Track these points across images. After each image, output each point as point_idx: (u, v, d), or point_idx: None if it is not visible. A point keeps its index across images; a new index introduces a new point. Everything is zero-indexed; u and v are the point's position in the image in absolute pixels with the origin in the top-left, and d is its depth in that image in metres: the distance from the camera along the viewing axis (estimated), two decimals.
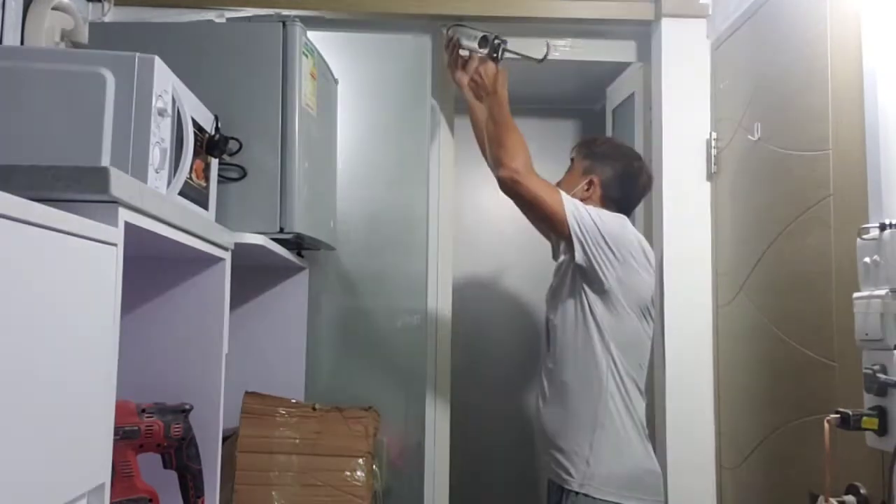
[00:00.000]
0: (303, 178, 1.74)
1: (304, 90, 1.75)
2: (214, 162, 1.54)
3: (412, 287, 2.26)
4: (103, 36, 1.80)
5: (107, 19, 2.04)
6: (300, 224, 1.71)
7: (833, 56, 1.51)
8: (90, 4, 2.02)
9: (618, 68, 2.52)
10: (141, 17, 2.09)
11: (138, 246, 1.12)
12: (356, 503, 1.95)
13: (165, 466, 1.30)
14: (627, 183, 1.86)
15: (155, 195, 1.06)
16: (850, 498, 1.31)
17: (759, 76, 1.83)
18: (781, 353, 1.68)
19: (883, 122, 1.33)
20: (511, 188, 1.74)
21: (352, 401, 2.13)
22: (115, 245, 0.92)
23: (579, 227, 1.70)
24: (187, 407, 1.30)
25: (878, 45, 1.36)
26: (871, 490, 1.30)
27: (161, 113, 1.20)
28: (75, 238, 0.82)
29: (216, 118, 1.50)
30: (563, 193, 1.74)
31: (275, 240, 1.70)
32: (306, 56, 1.77)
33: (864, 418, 1.26)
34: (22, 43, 1.67)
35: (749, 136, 1.87)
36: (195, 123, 1.37)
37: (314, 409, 2.03)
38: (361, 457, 2.00)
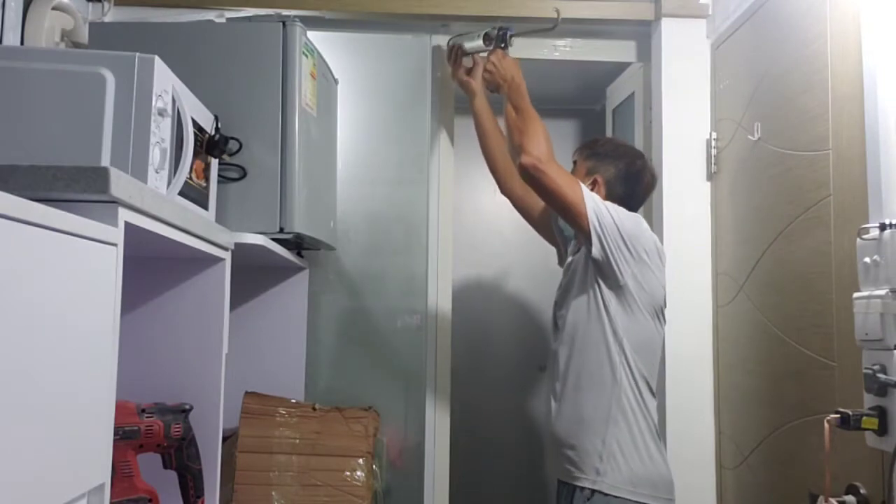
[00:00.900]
0: (303, 178, 1.74)
1: (304, 90, 1.75)
2: (214, 162, 1.54)
3: (412, 287, 2.26)
4: (103, 36, 1.80)
5: (107, 19, 2.04)
6: (300, 224, 1.71)
7: (833, 56, 1.51)
8: (90, 4, 2.02)
9: (618, 68, 2.52)
10: (141, 17, 2.09)
11: (138, 246, 1.12)
12: (356, 503, 1.95)
13: (165, 466, 1.30)
14: (631, 180, 1.85)
15: (155, 195, 1.06)
16: (850, 498, 1.31)
17: (760, 76, 1.83)
18: (781, 353, 1.68)
19: (883, 122, 1.32)
20: (533, 176, 1.71)
21: (352, 401, 2.13)
22: (115, 245, 0.92)
23: (598, 222, 1.68)
24: (187, 407, 1.30)
25: (877, 45, 1.36)
26: (870, 490, 1.30)
27: (161, 113, 1.20)
28: (75, 238, 0.82)
29: (216, 118, 1.50)
30: (583, 186, 1.72)
31: (275, 240, 1.70)
32: (306, 56, 1.77)
33: (864, 418, 1.26)
34: (22, 43, 1.67)
35: (749, 136, 1.87)
36: (195, 123, 1.37)
37: (314, 409, 2.03)
38: (361, 457, 2.00)
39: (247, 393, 1.97)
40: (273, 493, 1.91)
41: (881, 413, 1.25)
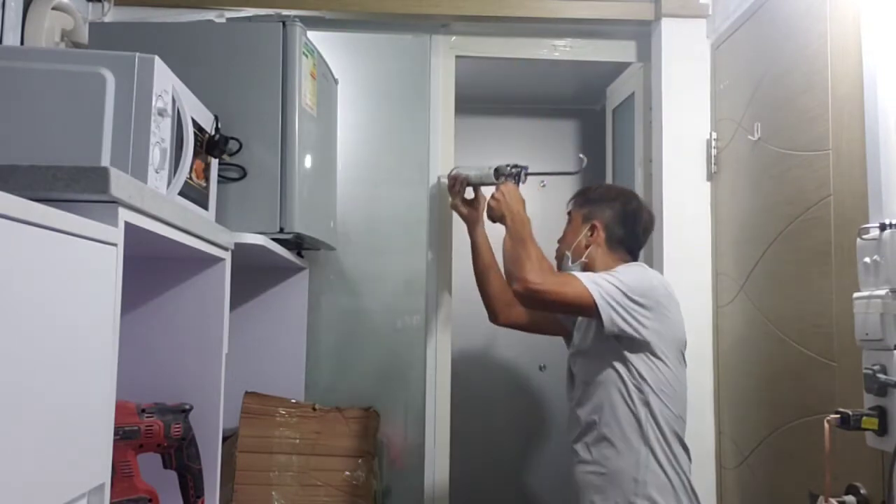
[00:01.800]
0: (303, 178, 1.74)
1: (304, 90, 1.75)
2: (214, 162, 1.54)
3: (412, 287, 2.26)
4: (103, 36, 1.80)
5: (107, 19, 2.04)
6: (300, 224, 1.71)
7: (833, 56, 1.51)
8: (90, 4, 2.02)
9: (618, 68, 2.53)
10: (141, 17, 2.09)
11: (138, 246, 1.12)
12: (356, 503, 1.95)
13: (165, 466, 1.30)
14: (629, 220, 1.82)
15: (155, 195, 1.06)
16: (850, 498, 1.31)
17: (760, 76, 1.83)
18: (781, 353, 1.68)
19: (883, 122, 1.32)
20: (531, 297, 1.68)
21: (352, 401, 2.13)
22: (115, 245, 0.92)
23: (606, 302, 1.63)
24: (187, 407, 1.30)
25: (878, 45, 1.36)
26: (871, 490, 1.30)
27: (161, 113, 1.20)
28: (75, 238, 0.82)
29: (216, 118, 1.50)
30: (579, 275, 1.68)
31: (275, 240, 1.70)
32: (306, 56, 1.77)
33: (864, 418, 1.26)
34: (22, 43, 1.67)
35: (749, 136, 1.87)
36: (195, 123, 1.37)
37: (314, 409, 2.03)
38: (361, 457, 2.00)
39: (247, 393, 1.98)
40: (273, 493, 1.91)
41: (881, 413, 1.25)
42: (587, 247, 1.82)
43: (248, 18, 2.12)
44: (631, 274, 1.70)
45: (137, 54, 1.17)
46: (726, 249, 2.01)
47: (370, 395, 2.17)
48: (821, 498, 1.33)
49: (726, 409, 2.00)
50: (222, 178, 1.62)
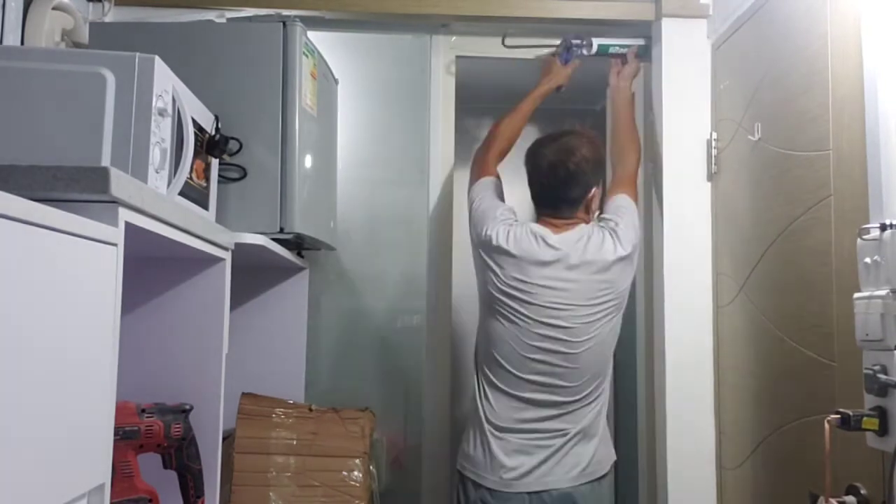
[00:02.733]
0: (303, 178, 1.74)
1: (305, 90, 1.75)
2: (214, 162, 1.54)
3: (412, 287, 2.26)
4: (103, 36, 1.80)
5: (107, 19, 2.03)
6: (300, 224, 1.71)
7: (833, 56, 1.51)
8: (90, 4, 2.01)
9: None
10: (141, 17, 2.09)
11: (138, 246, 1.12)
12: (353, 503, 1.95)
13: (165, 466, 1.30)
14: (528, 177, 1.93)
15: (155, 195, 1.06)
16: (850, 498, 1.31)
17: (760, 76, 1.83)
18: (781, 354, 1.68)
19: (883, 123, 1.32)
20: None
21: (352, 401, 2.13)
22: (115, 245, 0.92)
23: None
24: (187, 407, 1.30)
25: (878, 45, 1.35)
26: (871, 491, 1.30)
27: (161, 113, 1.20)
28: (75, 238, 0.82)
29: (216, 118, 1.50)
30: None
31: (275, 240, 1.70)
32: (307, 56, 1.77)
33: (865, 419, 1.25)
34: (22, 43, 1.67)
35: (749, 137, 1.86)
36: (195, 123, 1.37)
37: (310, 409, 2.03)
38: (358, 457, 2.00)
39: (243, 394, 1.97)
40: (270, 494, 1.91)
41: (882, 413, 1.25)
42: None
43: (249, 18, 2.12)
44: (483, 222, 1.88)
45: (137, 54, 1.17)
46: (726, 249, 2.01)
47: (370, 394, 2.17)
48: (821, 498, 1.33)
49: (726, 409, 2.00)
50: (222, 178, 1.62)
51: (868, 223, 1.32)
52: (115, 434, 0.96)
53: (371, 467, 2.03)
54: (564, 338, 1.79)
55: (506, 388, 1.82)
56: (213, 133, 1.48)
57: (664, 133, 2.13)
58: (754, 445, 1.81)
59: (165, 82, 1.23)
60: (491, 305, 1.85)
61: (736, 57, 1.99)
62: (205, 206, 1.47)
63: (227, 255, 1.47)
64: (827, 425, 1.29)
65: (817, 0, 1.57)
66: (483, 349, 1.89)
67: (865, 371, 1.28)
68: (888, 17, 1.34)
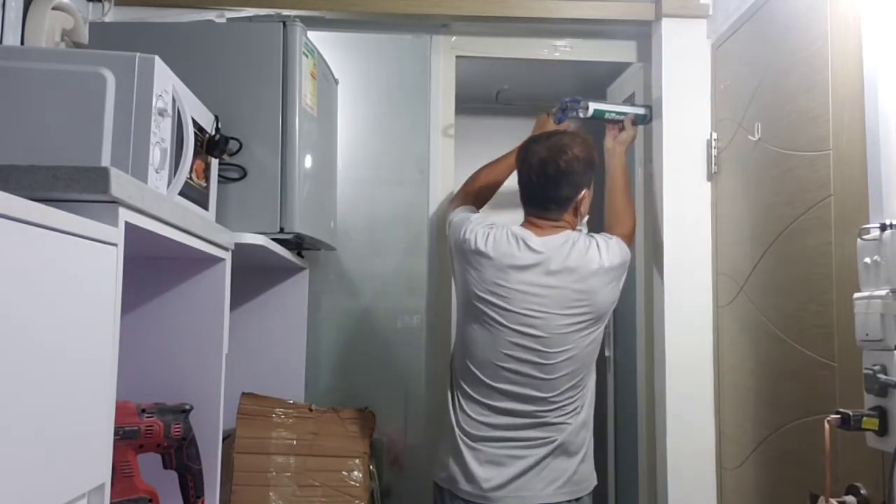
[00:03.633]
0: (303, 178, 1.74)
1: (305, 90, 1.75)
2: (214, 162, 1.54)
3: (412, 287, 2.26)
4: (103, 36, 1.80)
5: (107, 19, 2.03)
6: (300, 224, 1.71)
7: (833, 56, 1.51)
8: (90, 4, 2.01)
9: (618, 68, 2.52)
10: (141, 17, 2.09)
11: (138, 246, 1.12)
12: (353, 503, 1.95)
13: (165, 466, 1.30)
14: (519, 178, 1.88)
15: (155, 195, 1.06)
16: (850, 498, 1.31)
17: (760, 76, 1.83)
18: (782, 354, 1.68)
19: (883, 123, 1.32)
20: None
21: (352, 401, 2.13)
22: (115, 245, 0.92)
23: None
24: (187, 407, 1.30)
25: (878, 45, 1.35)
26: (871, 491, 1.30)
27: (161, 113, 1.20)
28: (75, 238, 0.82)
29: (216, 118, 1.50)
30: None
31: (275, 240, 1.70)
32: (307, 56, 1.77)
33: (865, 419, 1.25)
34: (22, 43, 1.67)
35: (749, 137, 1.86)
36: (195, 123, 1.37)
37: (310, 409, 2.03)
38: (358, 457, 2.00)
39: (243, 394, 1.97)
40: (270, 494, 1.91)
41: (882, 413, 1.25)
42: None
43: (249, 18, 2.12)
44: (461, 226, 1.85)
45: (137, 54, 1.17)
46: (726, 250, 2.01)
47: (370, 394, 2.17)
48: (821, 498, 1.33)
49: (726, 409, 2.00)
50: (222, 178, 1.62)
51: (868, 223, 1.32)
52: (115, 434, 0.96)
53: (371, 467, 2.03)
54: (538, 347, 1.73)
55: (479, 398, 1.77)
56: (213, 133, 1.48)
57: (664, 133, 2.13)
58: (754, 445, 1.81)
59: (165, 82, 1.23)
60: (467, 311, 1.80)
61: (736, 57, 1.99)
62: (205, 206, 1.47)
63: (227, 255, 1.47)
64: (827, 425, 1.29)
65: (817, 0, 1.57)
66: (458, 358, 1.83)
67: (865, 371, 1.28)
68: (888, 17, 1.34)
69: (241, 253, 1.55)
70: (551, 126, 2.09)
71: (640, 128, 2.22)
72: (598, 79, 2.78)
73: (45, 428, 0.77)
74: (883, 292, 1.26)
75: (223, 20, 2.13)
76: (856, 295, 1.32)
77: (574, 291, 1.74)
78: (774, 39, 1.77)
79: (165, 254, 1.36)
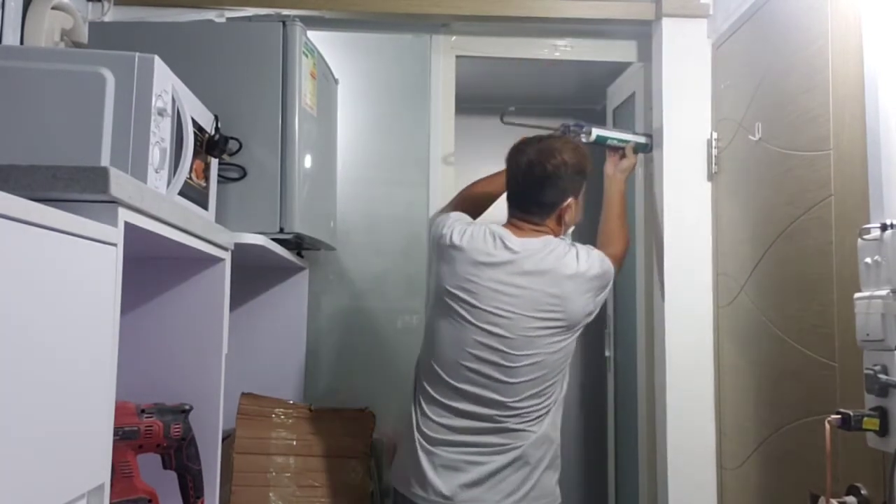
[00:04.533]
0: (303, 178, 1.74)
1: (305, 90, 1.75)
2: (214, 162, 1.54)
3: (412, 287, 2.26)
4: (103, 36, 1.80)
5: (107, 19, 2.03)
6: (300, 224, 1.71)
7: (834, 56, 1.51)
8: (90, 4, 2.01)
9: (618, 68, 2.52)
10: (141, 17, 2.09)
11: (138, 246, 1.12)
12: None
13: (165, 467, 1.30)
14: (507, 177, 1.84)
15: (155, 195, 1.06)
16: (850, 499, 1.31)
17: (760, 76, 1.83)
18: (782, 354, 1.68)
19: (884, 122, 1.32)
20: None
21: (352, 401, 2.13)
22: (114, 245, 0.92)
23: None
24: (187, 407, 1.30)
25: (879, 45, 1.35)
26: (871, 491, 1.30)
27: (161, 113, 1.20)
28: (75, 238, 0.82)
29: (216, 118, 1.49)
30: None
31: (275, 240, 1.70)
32: (306, 56, 1.77)
33: (865, 419, 1.25)
34: (22, 43, 1.67)
35: (750, 137, 1.86)
36: (195, 123, 1.36)
37: (310, 410, 2.03)
38: (357, 457, 2.00)
39: (243, 394, 1.97)
40: (270, 495, 1.91)
41: (882, 414, 1.25)
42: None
43: (248, 18, 2.12)
44: (441, 223, 1.82)
45: (137, 54, 1.17)
46: (727, 249, 2.01)
47: (370, 394, 2.17)
48: (822, 498, 1.33)
49: (727, 409, 2.00)
50: (222, 178, 1.62)
51: (868, 223, 1.32)
52: (115, 434, 0.96)
53: (371, 467, 2.03)
54: (502, 348, 1.67)
55: (439, 398, 1.71)
56: (213, 133, 1.48)
57: (665, 133, 2.13)
58: (755, 445, 1.81)
59: (165, 82, 1.23)
60: (436, 307, 1.76)
61: (736, 57, 1.99)
62: (204, 206, 1.47)
63: (227, 255, 1.47)
64: (827, 425, 1.29)
65: (818, 0, 1.57)
66: (423, 359, 1.79)
67: (866, 371, 1.28)
68: (889, 16, 1.34)
69: (241, 253, 1.55)
70: None
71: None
72: (598, 79, 2.78)
73: (45, 428, 0.77)
74: (884, 292, 1.25)
75: (223, 20, 2.13)
76: (856, 295, 1.32)
77: (546, 294, 1.69)
78: (775, 39, 1.77)
79: (165, 254, 1.35)
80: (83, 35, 1.87)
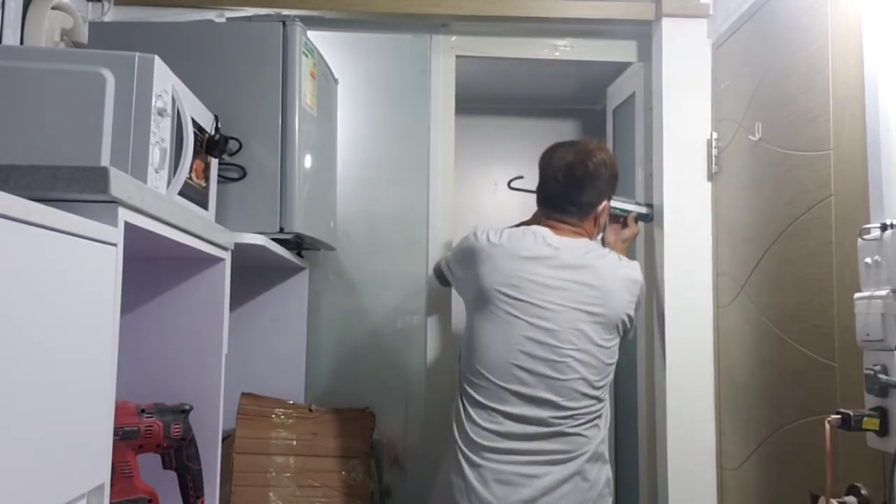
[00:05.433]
0: (303, 178, 1.74)
1: (304, 90, 1.75)
2: (214, 162, 1.54)
3: (412, 287, 2.26)
4: (103, 36, 1.80)
5: (107, 19, 2.03)
6: (300, 224, 1.71)
7: (834, 56, 1.51)
8: (90, 4, 2.01)
9: (618, 68, 2.52)
10: (141, 17, 2.09)
11: (138, 246, 1.12)
12: None
13: (165, 467, 1.30)
14: (540, 178, 1.87)
15: (155, 195, 1.06)
16: (850, 499, 1.31)
17: (760, 76, 1.83)
18: (782, 354, 1.68)
19: (884, 122, 1.32)
20: None
21: (352, 401, 2.13)
22: (114, 245, 0.92)
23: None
24: (187, 407, 1.30)
25: (879, 45, 1.35)
26: (871, 491, 1.30)
27: (161, 113, 1.20)
28: (75, 238, 0.82)
29: (216, 118, 1.49)
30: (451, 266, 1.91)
31: (275, 240, 1.70)
32: (306, 56, 1.77)
33: (865, 419, 1.25)
34: (22, 43, 1.67)
35: (750, 136, 1.86)
36: (195, 123, 1.36)
37: (310, 410, 2.03)
38: (358, 457, 2.00)
39: (243, 394, 1.97)
40: (270, 495, 1.91)
41: (882, 414, 1.25)
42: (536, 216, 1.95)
43: (248, 18, 2.12)
44: (473, 233, 1.83)
45: (137, 54, 1.17)
46: (727, 249, 2.01)
47: (370, 395, 2.17)
48: (822, 498, 1.33)
49: (727, 409, 2.00)
50: (222, 178, 1.62)
51: (868, 223, 1.32)
52: (115, 434, 0.96)
53: (371, 467, 2.03)
54: (551, 342, 1.65)
55: (486, 402, 1.65)
56: (213, 133, 1.48)
57: (664, 133, 2.13)
58: (755, 446, 1.81)
59: (165, 82, 1.23)
60: (478, 309, 1.73)
61: (736, 57, 1.99)
62: (204, 206, 1.47)
63: (227, 255, 1.47)
64: (827, 425, 1.29)
65: (818, 0, 1.57)
66: (465, 365, 1.73)
67: (866, 371, 1.28)
68: (889, 16, 1.34)
69: (241, 253, 1.55)
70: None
71: (640, 144, 2.20)
72: (598, 79, 2.78)
73: (45, 428, 0.77)
74: (884, 292, 1.25)
75: (223, 20, 2.13)
76: (856, 295, 1.32)
77: (589, 287, 1.70)
78: (775, 39, 1.77)
79: (165, 254, 1.35)
80: (83, 35, 1.87)
